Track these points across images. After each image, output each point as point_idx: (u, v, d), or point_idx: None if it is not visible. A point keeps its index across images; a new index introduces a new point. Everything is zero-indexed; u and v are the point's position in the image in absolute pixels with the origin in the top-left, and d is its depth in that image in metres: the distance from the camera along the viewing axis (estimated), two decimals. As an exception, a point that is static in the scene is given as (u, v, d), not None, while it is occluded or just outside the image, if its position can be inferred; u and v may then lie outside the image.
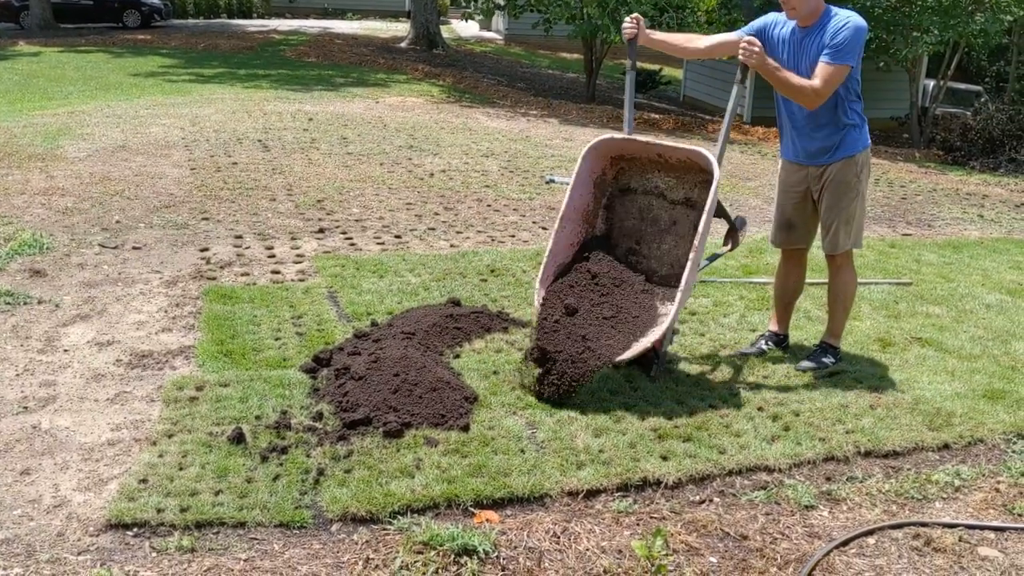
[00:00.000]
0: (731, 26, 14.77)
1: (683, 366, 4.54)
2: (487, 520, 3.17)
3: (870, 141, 4.47)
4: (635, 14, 4.64)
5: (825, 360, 4.62)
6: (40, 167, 8.39)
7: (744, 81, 4.31)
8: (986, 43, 14.16)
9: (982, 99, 16.15)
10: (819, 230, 4.61)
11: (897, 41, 14.01)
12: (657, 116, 16.28)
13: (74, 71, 16.82)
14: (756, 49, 4.13)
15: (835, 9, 4.26)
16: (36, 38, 22.85)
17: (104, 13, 27.01)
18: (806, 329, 5.12)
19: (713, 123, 16.08)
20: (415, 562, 2.88)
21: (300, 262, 6.03)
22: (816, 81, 4.15)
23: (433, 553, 2.92)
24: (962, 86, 18.30)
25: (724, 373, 4.47)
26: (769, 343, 4.81)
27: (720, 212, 4.46)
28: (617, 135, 4.65)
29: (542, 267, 4.43)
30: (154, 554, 2.91)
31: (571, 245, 4.62)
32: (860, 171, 4.43)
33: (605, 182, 4.76)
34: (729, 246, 4.61)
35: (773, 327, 4.90)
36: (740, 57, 4.16)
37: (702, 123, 16.03)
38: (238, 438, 3.53)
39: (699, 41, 4.71)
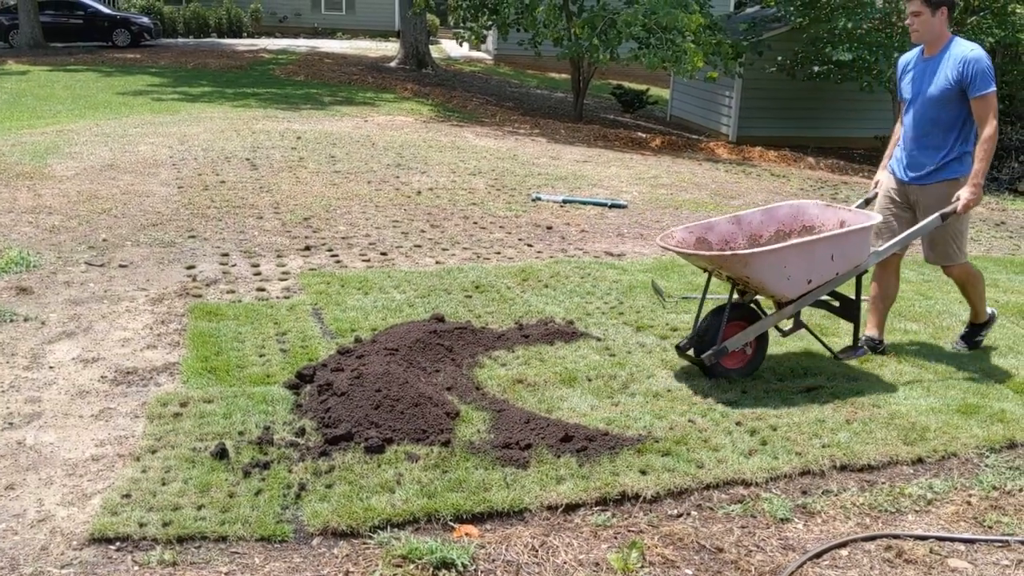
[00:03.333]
0: (716, 48, 14.92)
1: (663, 381, 4.59)
2: (466, 534, 3.21)
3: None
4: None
5: (977, 339, 5.29)
6: (28, 185, 8.43)
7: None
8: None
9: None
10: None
11: (880, 61, 14.19)
12: (644, 135, 16.42)
13: (63, 90, 16.87)
14: (961, 205, 4.69)
15: (959, 40, 4.78)
16: (25, 57, 22.91)
17: (94, 32, 27.08)
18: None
19: (700, 142, 16.23)
20: (394, 575, 2.92)
21: (285, 279, 6.08)
22: (991, 117, 4.65)
23: (412, 567, 2.96)
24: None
25: (704, 388, 4.53)
26: (866, 347, 5.10)
27: None
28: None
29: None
30: (136, 568, 2.94)
31: None
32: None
33: None
34: None
35: (871, 332, 5.19)
36: (961, 212, 4.71)
37: (689, 141, 16.18)
38: (221, 454, 3.57)
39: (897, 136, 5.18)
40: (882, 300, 5.21)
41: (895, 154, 5.12)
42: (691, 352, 4.69)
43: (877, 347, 5.14)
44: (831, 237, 4.61)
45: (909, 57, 5.01)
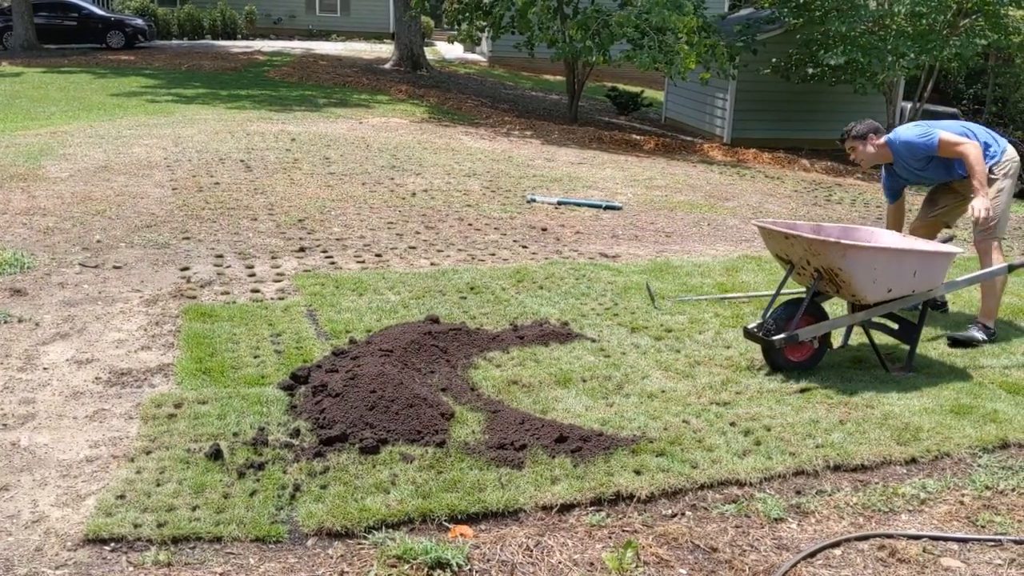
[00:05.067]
0: (710, 50, 14.95)
1: (658, 382, 4.60)
2: (461, 535, 3.21)
3: (1009, 149, 5.60)
4: None
5: (976, 335, 5.42)
6: (22, 187, 8.41)
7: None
8: (961, 67, 14.41)
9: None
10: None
11: (874, 64, 14.23)
12: (639, 137, 16.44)
13: (57, 91, 16.84)
14: (982, 214, 5.29)
15: (896, 136, 5.55)
16: (19, 58, 22.87)
17: (88, 34, 27.01)
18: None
19: (694, 144, 16.26)
20: (389, 575, 2.92)
21: (280, 281, 6.08)
22: (959, 149, 5.36)
23: (407, 567, 2.96)
24: (939, 108, 18.59)
25: (698, 388, 4.54)
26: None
27: None
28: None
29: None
30: (131, 569, 2.94)
31: None
32: (1003, 172, 5.50)
33: None
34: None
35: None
36: (983, 221, 5.34)
37: (683, 143, 16.21)
38: (216, 454, 3.57)
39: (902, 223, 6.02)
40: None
41: None
42: (760, 334, 4.79)
43: (939, 306, 6.04)
44: (921, 252, 4.84)
45: (885, 175, 5.88)
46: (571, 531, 3.28)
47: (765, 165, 14.40)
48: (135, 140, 11.39)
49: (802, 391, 4.57)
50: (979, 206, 5.24)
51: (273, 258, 6.63)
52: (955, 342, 5.38)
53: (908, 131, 5.53)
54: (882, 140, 5.58)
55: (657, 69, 15.13)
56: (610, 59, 15.55)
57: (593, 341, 5.17)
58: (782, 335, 4.68)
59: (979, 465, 3.93)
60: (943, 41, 14.06)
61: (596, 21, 15.28)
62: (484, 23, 17.92)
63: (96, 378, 4.38)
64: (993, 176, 5.47)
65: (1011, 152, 5.59)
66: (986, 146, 5.50)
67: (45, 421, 3.90)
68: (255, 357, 4.69)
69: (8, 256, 6.16)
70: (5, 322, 5.03)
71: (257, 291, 5.83)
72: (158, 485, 3.38)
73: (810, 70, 15.44)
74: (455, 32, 20.40)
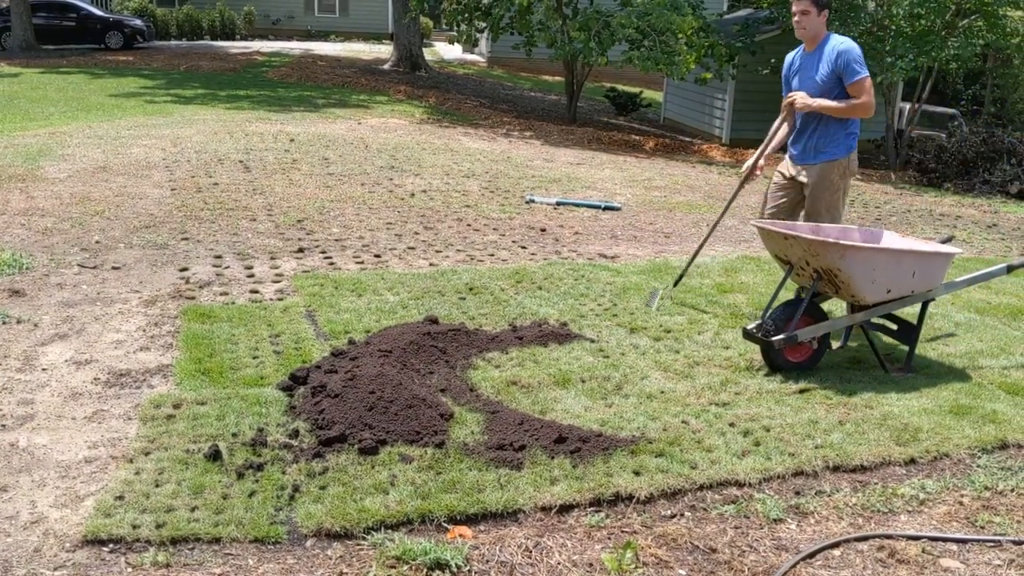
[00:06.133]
0: (709, 50, 14.96)
1: (657, 383, 4.60)
2: (460, 535, 3.21)
3: (851, 151, 5.39)
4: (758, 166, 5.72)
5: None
6: (20, 187, 8.41)
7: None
8: (960, 68, 14.42)
9: (955, 122, 16.42)
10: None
11: (872, 66, 14.23)
12: (638, 137, 16.45)
13: (55, 92, 16.83)
14: (797, 98, 5.24)
15: (833, 35, 5.31)
16: (17, 59, 22.84)
17: (86, 34, 26.99)
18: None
19: (693, 144, 16.26)
20: (388, 576, 2.92)
21: (279, 281, 6.08)
22: (863, 97, 5.14)
23: (406, 568, 2.96)
24: (937, 109, 18.61)
25: (697, 389, 4.54)
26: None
27: None
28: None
29: None
30: (129, 570, 2.94)
31: None
32: (843, 172, 5.35)
33: None
34: None
35: None
36: (797, 109, 5.26)
37: (682, 144, 16.21)
38: (214, 455, 3.56)
39: (783, 128, 5.62)
40: None
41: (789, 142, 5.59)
42: (759, 335, 4.79)
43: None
44: (919, 253, 4.87)
45: (793, 55, 5.53)
46: (570, 532, 3.28)
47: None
48: (134, 141, 11.39)
49: (801, 392, 4.57)
50: (800, 97, 5.23)
51: (272, 259, 6.63)
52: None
53: (846, 38, 5.29)
54: (825, 25, 5.33)
55: (659, 70, 15.13)
56: (607, 60, 15.56)
57: (592, 342, 5.16)
58: (781, 336, 4.68)
59: (978, 466, 3.93)
60: (941, 42, 14.07)
61: (597, 22, 15.29)
62: (483, 24, 17.93)
63: (95, 379, 4.38)
64: (836, 170, 5.33)
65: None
66: (854, 135, 5.38)
67: (44, 422, 3.90)
68: (254, 358, 4.69)
69: (7, 257, 6.15)
70: (4, 323, 5.03)
71: (256, 292, 5.83)
72: (157, 486, 3.38)
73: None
74: (454, 33, 20.43)
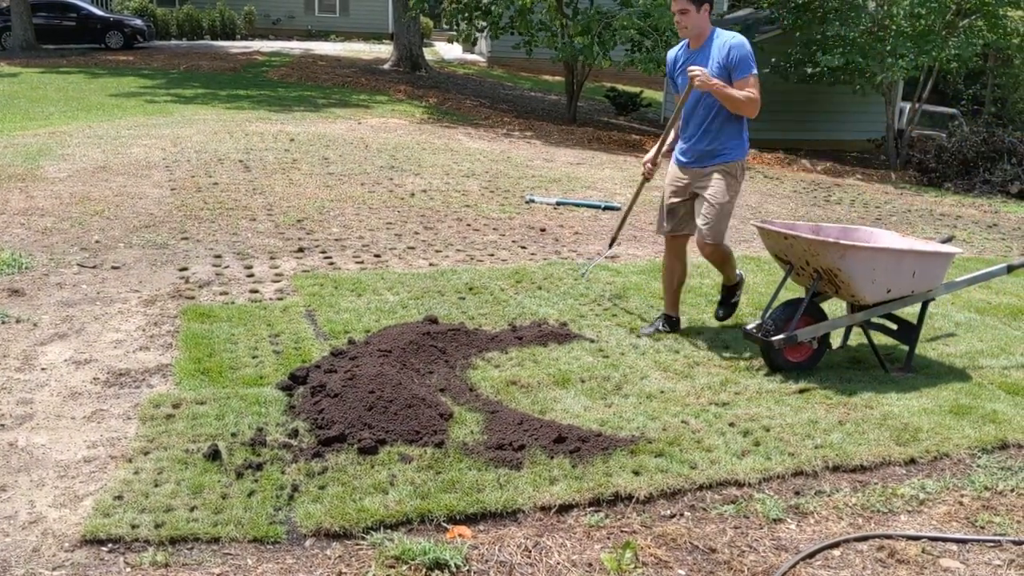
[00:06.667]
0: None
1: (656, 382, 4.60)
2: (459, 535, 3.21)
3: (747, 153, 5.19)
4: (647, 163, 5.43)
5: (735, 300, 5.53)
6: (20, 187, 8.40)
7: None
8: (960, 67, 14.41)
9: (956, 121, 16.42)
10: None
11: (872, 66, 14.23)
12: (638, 137, 16.44)
13: (55, 92, 16.82)
14: (698, 72, 4.84)
15: (720, 30, 5.05)
16: (17, 59, 22.83)
17: (86, 34, 26.98)
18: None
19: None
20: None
21: (279, 281, 6.07)
22: (751, 91, 4.87)
23: (405, 567, 2.96)
24: (938, 108, 18.60)
25: (697, 389, 4.54)
26: (664, 325, 5.41)
27: None
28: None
29: None
30: (128, 569, 2.94)
31: None
32: (737, 175, 5.11)
33: None
34: None
35: (668, 311, 5.46)
36: (697, 86, 4.88)
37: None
38: (214, 455, 3.56)
39: (675, 125, 5.35)
40: (672, 280, 5.44)
41: (678, 144, 5.33)
42: (759, 335, 4.79)
43: (675, 325, 5.46)
44: (919, 252, 4.86)
45: (677, 51, 5.24)
46: (570, 532, 3.27)
47: (765, 165, 14.40)
48: (134, 140, 11.38)
49: (801, 391, 4.57)
50: (699, 73, 4.84)
51: (272, 258, 6.62)
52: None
53: (733, 32, 5.04)
54: (709, 22, 5.02)
55: (663, 73, 15.09)
56: (610, 61, 15.54)
57: (592, 341, 5.16)
58: (781, 336, 4.68)
59: (978, 466, 3.93)
60: (942, 42, 14.06)
61: (598, 23, 15.27)
62: (484, 23, 17.91)
63: (94, 378, 4.38)
64: (732, 173, 5.07)
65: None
66: (747, 136, 5.16)
67: (43, 421, 3.90)
68: (253, 357, 4.69)
69: (6, 256, 6.15)
70: (3, 322, 5.02)
71: (256, 291, 5.83)
72: (156, 486, 3.37)
73: (809, 70, 15.43)
74: (454, 32, 20.41)
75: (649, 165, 5.41)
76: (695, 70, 4.85)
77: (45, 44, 26.05)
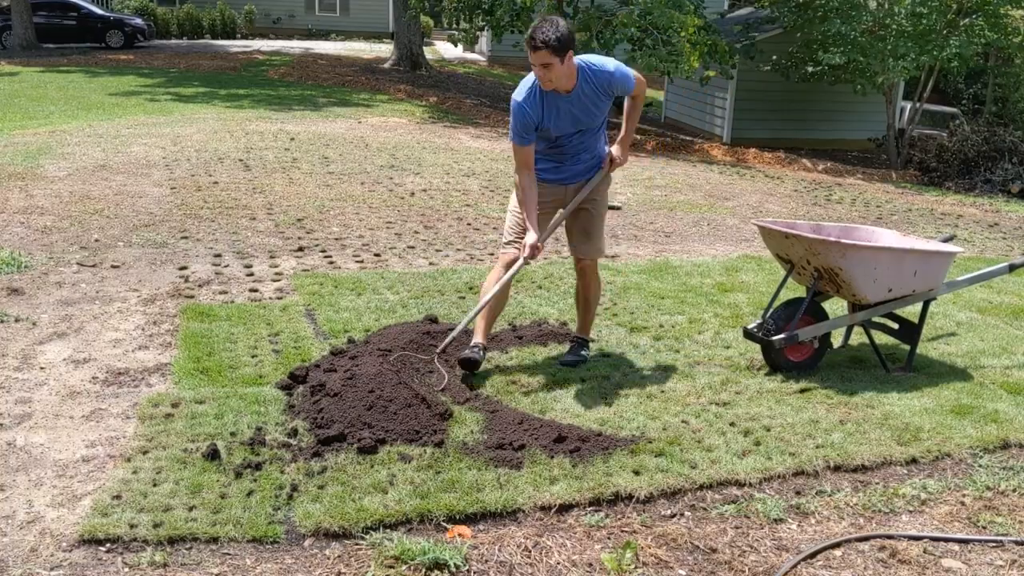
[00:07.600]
0: (711, 48, 14.90)
1: (657, 382, 4.59)
2: (459, 535, 3.19)
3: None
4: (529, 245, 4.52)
5: (584, 353, 4.86)
6: (20, 186, 8.39)
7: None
8: (961, 67, 14.39)
9: (957, 121, 16.39)
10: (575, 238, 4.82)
11: (873, 65, 14.21)
12: (638, 137, 16.43)
13: (55, 91, 16.81)
14: (621, 160, 4.81)
15: (584, 61, 4.46)
16: (17, 58, 22.83)
17: (87, 33, 26.97)
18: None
19: (694, 144, 16.24)
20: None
21: (278, 280, 6.06)
22: (637, 87, 4.62)
23: (404, 567, 2.95)
24: (939, 108, 18.57)
25: (697, 389, 4.52)
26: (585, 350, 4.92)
27: None
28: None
29: None
30: (126, 569, 2.92)
31: None
32: (608, 187, 4.93)
33: None
34: None
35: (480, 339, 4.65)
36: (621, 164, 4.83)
37: (683, 143, 16.19)
38: (213, 454, 3.55)
39: (533, 189, 4.60)
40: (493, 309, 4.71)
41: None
42: (760, 335, 4.77)
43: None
44: (921, 252, 4.84)
45: (537, 102, 4.42)
46: (570, 531, 3.26)
47: (765, 165, 14.38)
48: (134, 139, 11.37)
49: (802, 391, 4.55)
50: (621, 153, 4.74)
51: (271, 257, 6.61)
52: (565, 364, 4.74)
53: (599, 58, 4.55)
54: (574, 60, 4.38)
55: (660, 73, 15.08)
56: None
57: (592, 341, 5.14)
58: (782, 335, 4.67)
59: (980, 466, 3.91)
60: (943, 41, 14.04)
61: (598, 21, 15.25)
62: (484, 22, 17.89)
63: (93, 378, 4.36)
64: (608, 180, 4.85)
65: None
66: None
67: (41, 421, 3.88)
68: (253, 357, 4.67)
69: (5, 255, 6.14)
70: (2, 321, 5.01)
71: (255, 291, 5.81)
72: (155, 485, 3.36)
73: (809, 69, 15.42)
74: (454, 32, 20.39)
75: (539, 245, 4.55)
76: (619, 159, 4.75)
77: (45, 43, 26.05)
